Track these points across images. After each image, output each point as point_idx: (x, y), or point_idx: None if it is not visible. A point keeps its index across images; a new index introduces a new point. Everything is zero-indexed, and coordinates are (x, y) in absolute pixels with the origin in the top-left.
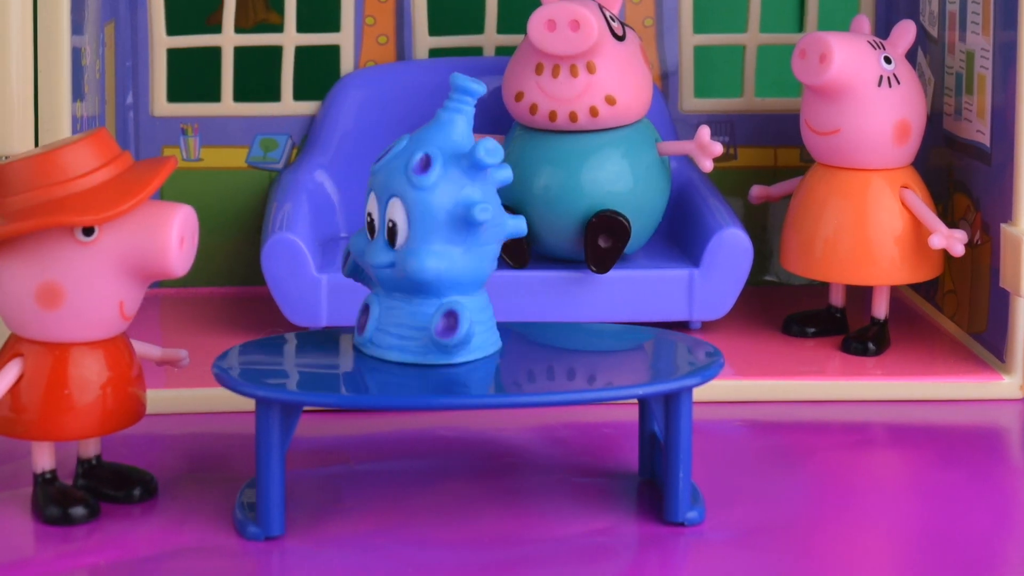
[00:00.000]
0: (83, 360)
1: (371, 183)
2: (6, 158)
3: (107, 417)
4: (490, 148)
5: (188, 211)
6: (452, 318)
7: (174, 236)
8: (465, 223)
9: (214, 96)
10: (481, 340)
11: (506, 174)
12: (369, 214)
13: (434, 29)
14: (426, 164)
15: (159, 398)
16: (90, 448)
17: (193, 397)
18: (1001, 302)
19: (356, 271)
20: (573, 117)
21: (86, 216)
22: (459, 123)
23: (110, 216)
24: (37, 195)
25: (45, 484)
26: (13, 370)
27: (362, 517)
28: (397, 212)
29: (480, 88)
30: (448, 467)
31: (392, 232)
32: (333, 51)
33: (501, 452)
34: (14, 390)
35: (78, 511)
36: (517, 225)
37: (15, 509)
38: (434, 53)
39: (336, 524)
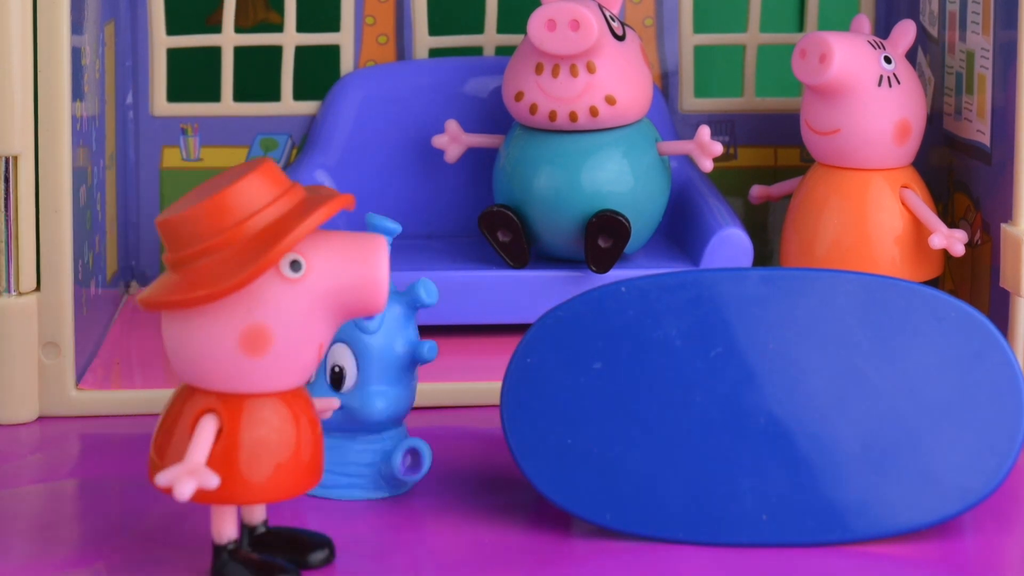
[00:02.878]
0: (285, 411)
1: None
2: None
3: (305, 474)
4: (429, 288)
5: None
6: (416, 456)
7: (384, 268)
8: (411, 362)
9: (214, 96)
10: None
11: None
12: None
13: (434, 29)
14: None
15: (159, 398)
16: (256, 513)
17: None
18: (1001, 302)
19: None
20: (573, 117)
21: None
22: None
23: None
24: (226, 239)
25: (233, 556)
26: (210, 428)
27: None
28: (344, 358)
29: (395, 227)
30: None
31: (339, 376)
32: (333, 51)
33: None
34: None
35: None
36: (431, 350)
37: (11, 507)
38: (434, 53)
39: None
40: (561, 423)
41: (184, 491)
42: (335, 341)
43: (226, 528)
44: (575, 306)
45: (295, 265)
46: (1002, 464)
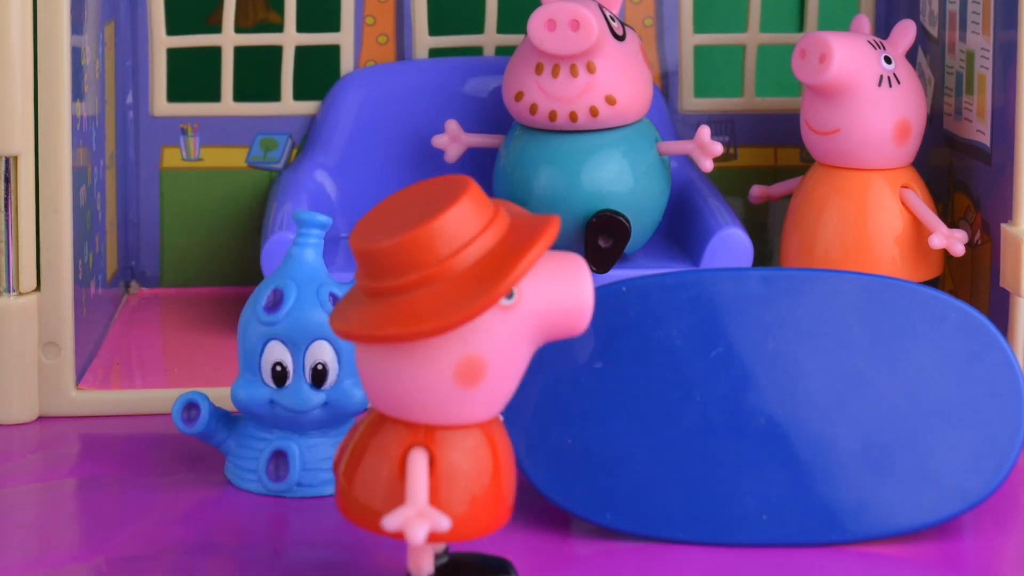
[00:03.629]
0: (485, 441)
1: (267, 333)
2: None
3: (504, 507)
4: None
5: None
6: None
7: (591, 291)
8: None
9: (214, 96)
10: None
11: None
12: (279, 363)
13: (434, 29)
14: (276, 301)
15: (159, 398)
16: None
17: None
18: (1001, 302)
19: (211, 431)
20: (573, 117)
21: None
22: (309, 256)
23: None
24: (442, 269)
25: None
26: (423, 464)
27: None
28: (325, 353)
29: (325, 220)
30: None
31: (322, 374)
32: (333, 51)
33: None
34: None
35: None
36: None
37: (11, 507)
38: (434, 53)
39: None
40: (561, 423)
41: (418, 536)
42: (314, 339)
43: (424, 564)
44: None
45: (509, 293)
46: (1002, 465)
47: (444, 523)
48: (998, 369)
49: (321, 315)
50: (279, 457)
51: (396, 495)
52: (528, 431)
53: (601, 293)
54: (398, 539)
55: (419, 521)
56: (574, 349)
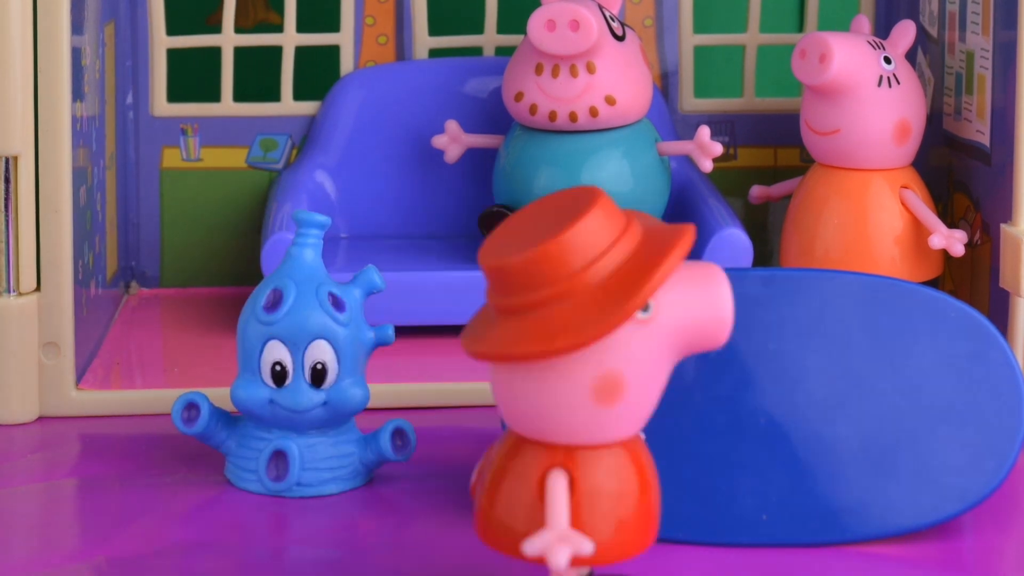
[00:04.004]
0: (628, 461)
1: (267, 333)
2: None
3: (648, 529)
4: (378, 274)
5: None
6: (403, 435)
7: (731, 302)
8: (374, 348)
9: (214, 96)
10: None
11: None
12: (279, 363)
13: (434, 29)
14: (275, 300)
15: (159, 398)
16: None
17: None
18: (1001, 302)
19: (210, 431)
20: (573, 117)
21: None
22: (308, 256)
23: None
24: (576, 284)
25: None
26: (563, 486)
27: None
28: (325, 353)
29: (324, 220)
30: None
31: (322, 373)
32: (333, 51)
33: None
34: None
35: None
36: (392, 333)
37: (11, 507)
38: (434, 53)
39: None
40: None
41: (560, 560)
42: (313, 338)
43: None
44: None
45: (645, 306)
46: (1002, 464)
47: (587, 546)
48: (998, 369)
49: (320, 315)
50: (279, 457)
51: (537, 518)
52: None
53: None
54: (540, 564)
55: (560, 545)
56: None
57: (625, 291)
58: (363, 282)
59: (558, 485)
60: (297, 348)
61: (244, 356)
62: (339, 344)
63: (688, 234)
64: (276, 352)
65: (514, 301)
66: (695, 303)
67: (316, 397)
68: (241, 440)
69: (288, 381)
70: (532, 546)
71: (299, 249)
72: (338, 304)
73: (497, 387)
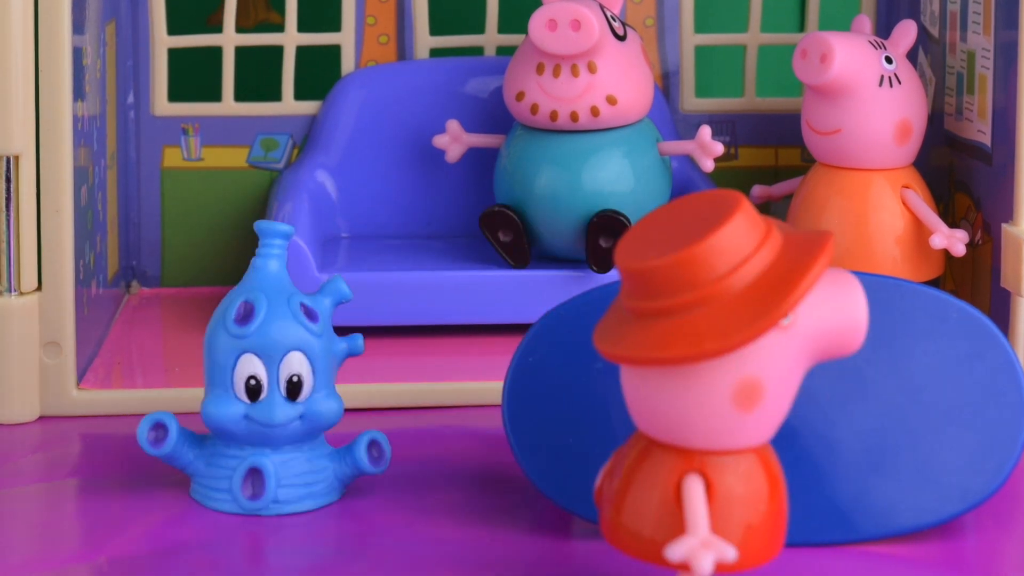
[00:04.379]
0: (760, 467)
1: (240, 347)
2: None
3: (777, 536)
4: (344, 283)
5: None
6: (378, 447)
7: (866, 308)
8: (345, 358)
9: (215, 96)
10: None
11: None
12: (253, 376)
13: (435, 29)
14: (247, 313)
15: (160, 398)
16: None
17: (194, 397)
18: (1002, 302)
19: (178, 452)
20: (574, 117)
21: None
22: (273, 266)
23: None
24: (721, 288)
25: None
26: (701, 491)
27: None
28: (300, 365)
29: (288, 229)
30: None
31: (297, 386)
32: (334, 51)
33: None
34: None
35: None
36: (362, 343)
37: (11, 507)
38: (435, 53)
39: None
40: (562, 422)
41: (706, 567)
42: (288, 350)
43: None
44: (577, 305)
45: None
46: (1003, 465)
47: (730, 552)
48: (999, 369)
49: (295, 326)
50: (254, 474)
51: (667, 523)
52: (529, 431)
53: (602, 293)
54: (682, 570)
55: (704, 551)
56: (575, 349)
57: (773, 297)
58: (332, 291)
59: (697, 490)
60: (272, 361)
61: (215, 372)
62: (314, 356)
63: (830, 242)
64: (250, 366)
65: (656, 304)
66: (832, 310)
67: (292, 411)
68: (210, 459)
69: (263, 395)
70: (676, 552)
71: (263, 260)
72: (310, 315)
73: (632, 390)
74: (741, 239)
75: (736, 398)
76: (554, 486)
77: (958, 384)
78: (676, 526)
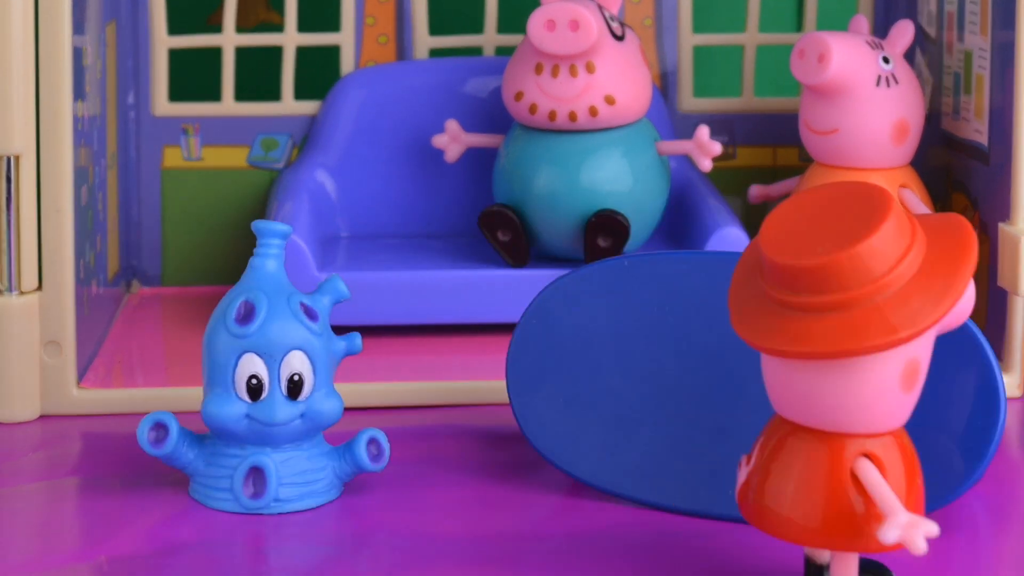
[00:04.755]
0: (908, 448)
1: (241, 346)
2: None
3: (919, 512)
4: (342, 282)
5: None
6: (377, 445)
7: (973, 289)
8: (344, 357)
9: (215, 96)
10: None
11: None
12: (254, 376)
13: (434, 29)
14: (248, 312)
15: (160, 397)
16: (825, 552)
17: (194, 396)
18: (999, 301)
19: (178, 452)
20: (572, 117)
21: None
22: (271, 266)
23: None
24: (887, 282)
25: None
26: (877, 472)
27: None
28: (301, 364)
29: (286, 229)
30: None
31: (299, 385)
32: (334, 51)
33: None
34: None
35: None
36: (360, 341)
37: (12, 506)
38: (434, 53)
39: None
40: (565, 390)
41: (921, 544)
42: (289, 349)
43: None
44: (581, 276)
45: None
46: (976, 465)
47: (934, 527)
48: (975, 367)
49: (296, 325)
50: (255, 473)
51: (827, 509)
52: (534, 403)
53: (606, 264)
54: (891, 551)
55: (915, 530)
56: (579, 319)
57: (937, 292)
58: (330, 290)
59: (875, 472)
60: (273, 360)
61: (215, 371)
62: (315, 355)
63: (970, 228)
64: (251, 365)
65: (815, 300)
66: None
67: (294, 410)
68: (210, 459)
69: (264, 394)
70: (891, 534)
71: (261, 260)
72: (310, 314)
73: (782, 381)
74: (897, 238)
75: (903, 380)
76: (558, 454)
77: (933, 382)
78: (837, 512)
